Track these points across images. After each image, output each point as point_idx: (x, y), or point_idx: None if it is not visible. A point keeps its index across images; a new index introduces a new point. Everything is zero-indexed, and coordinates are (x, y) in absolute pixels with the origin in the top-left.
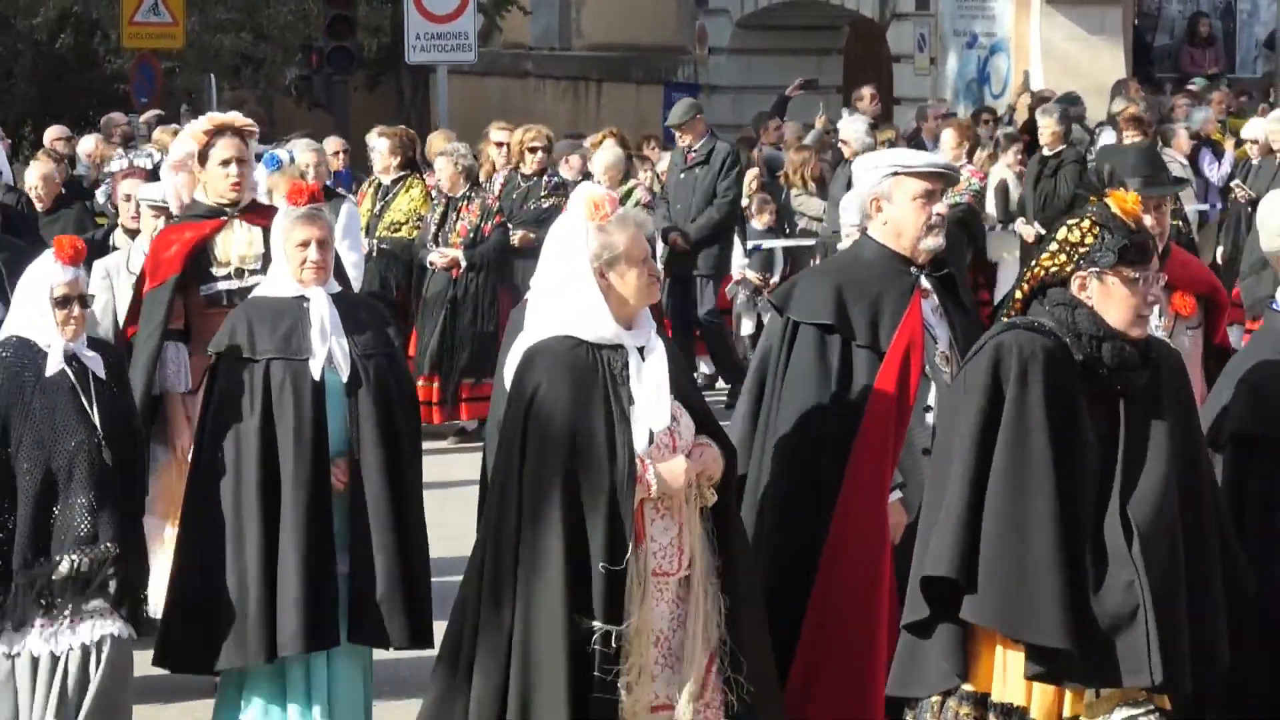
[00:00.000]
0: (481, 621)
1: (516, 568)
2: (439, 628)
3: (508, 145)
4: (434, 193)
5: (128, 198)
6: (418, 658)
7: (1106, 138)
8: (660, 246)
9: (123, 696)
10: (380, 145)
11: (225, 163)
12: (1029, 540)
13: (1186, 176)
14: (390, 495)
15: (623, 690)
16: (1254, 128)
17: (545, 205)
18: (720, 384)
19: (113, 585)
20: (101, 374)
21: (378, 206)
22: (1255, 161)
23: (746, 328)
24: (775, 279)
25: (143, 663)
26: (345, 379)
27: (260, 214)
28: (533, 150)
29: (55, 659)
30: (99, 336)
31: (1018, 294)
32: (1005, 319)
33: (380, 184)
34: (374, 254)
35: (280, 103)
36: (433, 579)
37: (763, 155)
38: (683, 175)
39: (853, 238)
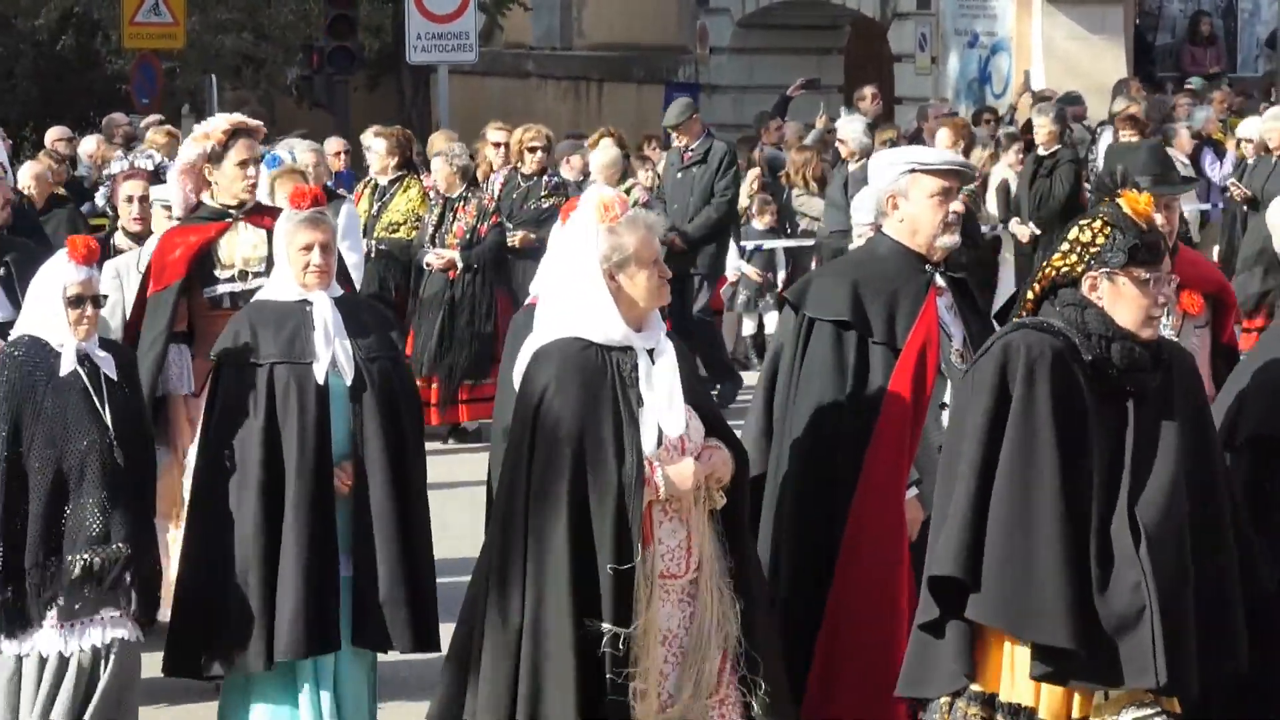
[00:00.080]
0: (489, 622)
1: (524, 569)
2: (443, 629)
3: (505, 145)
4: (432, 194)
5: (129, 199)
6: (420, 659)
7: (1107, 137)
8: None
9: (129, 698)
10: (377, 145)
11: (243, 164)
12: (1034, 540)
13: (1191, 176)
14: (395, 499)
15: (633, 692)
16: (1250, 126)
17: (545, 205)
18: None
19: (125, 585)
20: (113, 374)
21: (375, 207)
22: (1251, 160)
23: (748, 328)
24: (782, 276)
25: (149, 664)
26: (349, 383)
27: (264, 215)
28: (532, 150)
29: (64, 660)
30: (109, 337)
31: (1029, 294)
32: (1015, 319)
33: (377, 184)
34: (372, 255)
35: (281, 103)
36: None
37: (764, 155)
38: (680, 175)
39: (865, 236)
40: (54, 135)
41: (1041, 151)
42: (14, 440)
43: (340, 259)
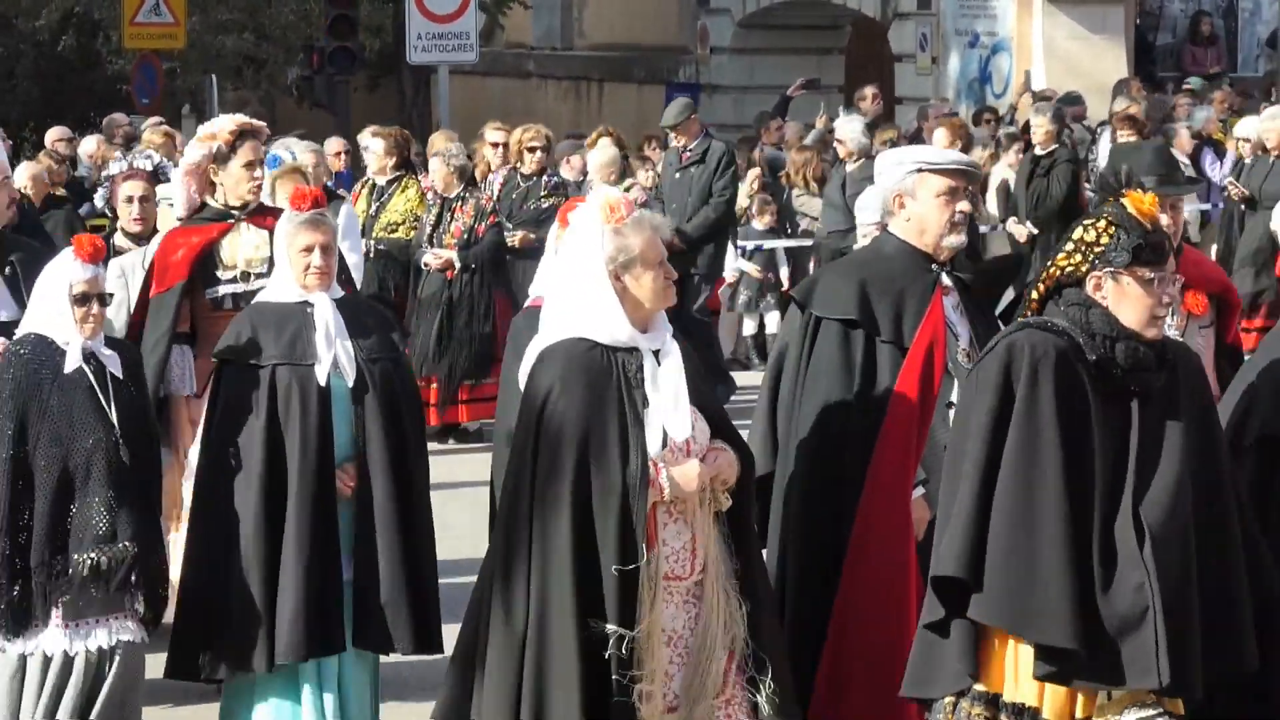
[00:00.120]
0: (494, 622)
1: (529, 569)
2: (446, 630)
3: (503, 145)
4: (430, 195)
5: (129, 199)
6: (421, 660)
7: (1108, 138)
8: None
9: (133, 699)
10: (375, 145)
11: (249, 165)
12: (1036, 540)
13: (1195, 176)
14: (397, 500)
15: (638, 694)
16: (1247, 126)
17: (545, 205)
18: None
19: (131, 585)
20: (119, 373)
21: (373, 207)
22: (1248, 160)
23: (749, 328)
24: (785, 274)
25: (152, 665)
26: (351, 384)
27: (266, 216)
28: (532, 150)
29: (68, 659)
30: (114, 335)
31: (1034, 294)
32: (1020, 318)
33: (375, 184)
34: (371, 255)
35: (282, 103)
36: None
37: (764, 155)
38: (678, 175)
39: (870, 236)
40: (54, 136)
41: (1039, 151)
42: (19, 439)
43: (342, 260)
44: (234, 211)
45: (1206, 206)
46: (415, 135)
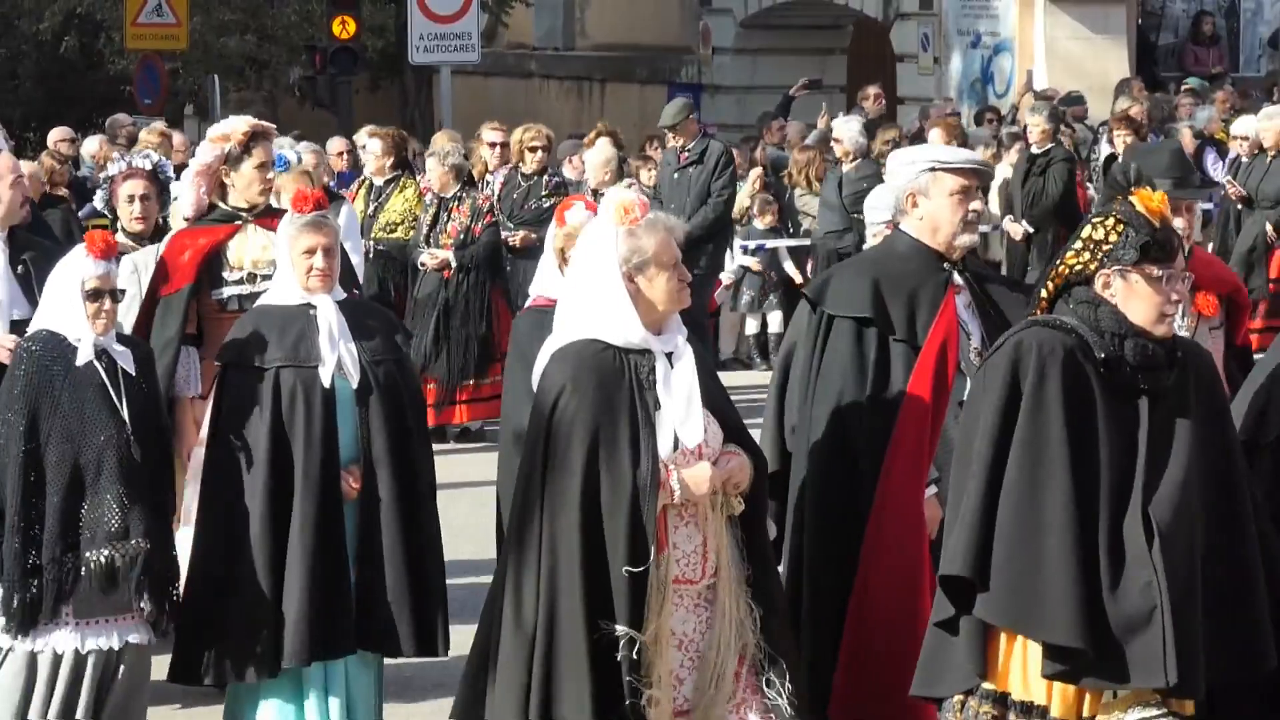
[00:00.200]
0: (505, 622)
1: (539, 570)
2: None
3: (500, 145)
4: (428, 196)
5: (130, 198)
6: (423, 660)
7: (1109, 138)
8: None
9: (139, 701)
10: (373, 146)
11: (262, 167)
12: (1042, 538)
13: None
14: (402, 502)
15: (645, 696)
16: (1244, 125)
17: (546, 205)
18: None
19: (143, 585)
20: (131, 369)
21: (371, 207)
22: (1245, 159)
23: (751, 327)
24: (790, 270)
25: (157, 666)
26: (355, 386)
27: (273, 218)
28: (533, 150)
29: (79, 658)
30: (126, 333)
31: (1043, 292)
32: (1029, 317)
33: (372, 184)
34: (370, 255)
35: (284, 103)
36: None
37: (766, 155)
38: (676, 175)
39: (880, 235)
40: (56, 136)
41: (1035, 150)
42: (31, 434)
43: (347, 261)
44: (242, 213)
45: (1209, 206)
46: (417, 136)
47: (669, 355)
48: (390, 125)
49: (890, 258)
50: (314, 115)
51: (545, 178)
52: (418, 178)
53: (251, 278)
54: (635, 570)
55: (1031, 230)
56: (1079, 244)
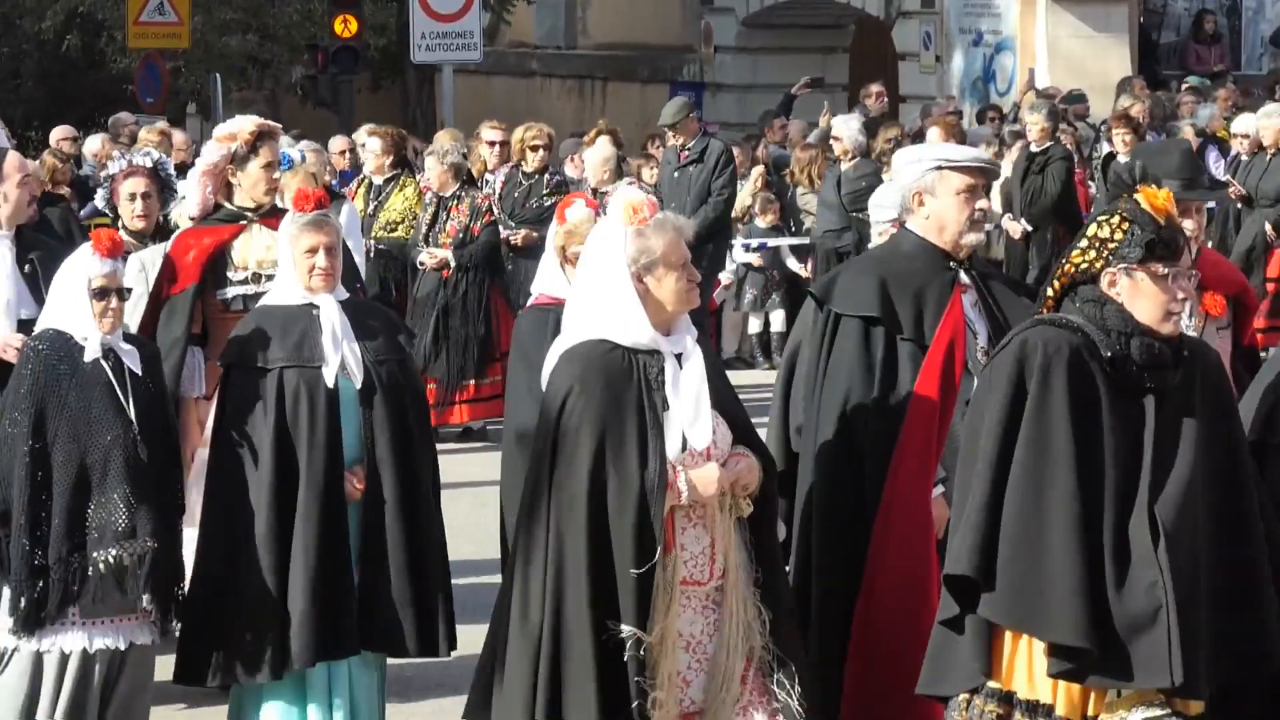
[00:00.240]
0: (512, 622)
1: (545, 569)
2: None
3: (499, 144)
4: (428, 195)
5: (131, 196)
6: (423, 660)
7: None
8: None
9: (142, 702)
10: (372, 144)
11: (268, 166)
12: (1046, 538)
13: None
14: (405, 503)
15: (651, 700)
16: (1244, 123)
17: (547, 204)
18: None
19: (149, 585)
20: (137, 369)
21: (371, 206)
22: (1245, 158)
23: (754, 326)
24: (796, 269)
25: (161, 667)
26: (359, 386)
27: (278, 218)
28: (534, 149)
29: (86, 658)
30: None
31: (1049, 291)
32: (1035, 315)
33: (371, 183)
34: (371, 255)
35: (286, 102)
36: None
37: (769, 154)
38: (676, 174)
39: (886, 234)
40: (58, 135)
41: (1034, 148)
42: (37, 433)
43: (351, 260)
44: (247, 213)
45: (1211, 205)
46: (419, 134)
47: (678, 356)
48: (392, 124)
49: (897, 256)
50: (316, 114)
51: (546, 176)
52: (417, 177)
53: (256, 278)
54: (640, 571)
55: (1030, 229)
56: (1085, 242)
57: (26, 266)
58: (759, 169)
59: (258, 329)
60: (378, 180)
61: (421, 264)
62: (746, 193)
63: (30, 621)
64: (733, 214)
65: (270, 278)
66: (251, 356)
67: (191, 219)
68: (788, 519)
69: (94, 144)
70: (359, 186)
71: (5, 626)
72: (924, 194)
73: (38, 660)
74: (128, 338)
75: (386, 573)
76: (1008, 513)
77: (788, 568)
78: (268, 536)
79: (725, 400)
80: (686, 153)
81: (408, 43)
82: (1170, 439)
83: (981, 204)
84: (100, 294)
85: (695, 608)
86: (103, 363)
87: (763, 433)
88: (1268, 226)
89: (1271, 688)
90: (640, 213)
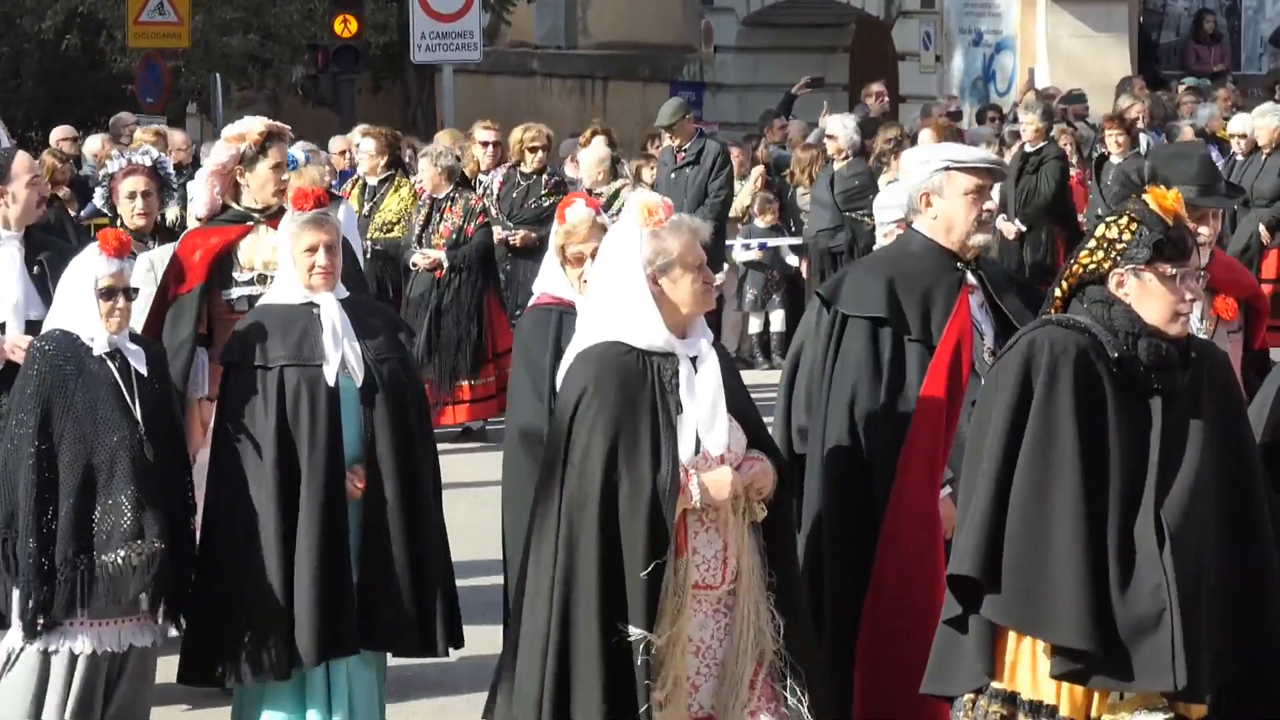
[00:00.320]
0: (523, 623)
1: (555, 570)
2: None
3: (493, 144)
4: (423, 196)
5: (131, 195)
6: (423, 660)
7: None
8: None
9: (144, 703)
10: (366, 145)
11: (277, 167)
12: (1051, 539)
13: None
14: (406, 501)
15: (655, 702)
16: (1240, 123)
17: (546, 204)
18: None
19: (158, 583)
20: (144, 369)
21: (366, 207)
22: (1241, 157)
23: (754, 326)
24: (796, 264)
25: (163, 668)
26: (360, 384)
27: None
28: (533, 150)
29: (94, 658)
30: (139, 332)
31: (1057, 291)
32: (1043, 316)
33: (366, 184)
34: (367, 255)
35: (287, 102)
36: None
37: (769, 153)
38: (673, 176)
39: (890, 235)
40: (59, 134)
41: (1028, 148)
42: (43, 434)
43: (354, 259)
44: (255, 214)
45: None
46: (419, 134)
47: (693, 359)
48: (393, 124)
49: (904, 257)
50: (316, 114)
51: (545, 177)
52: (412, 178)
53: (262, 279)
54: (647, 572)
55: (1024, 229)
56: (1093, 243)
57: (35, 268)
58: (759, 169)
59: (258, 327)
60: (372, 181)
61: (414, 265)
62: (746, 193)
63: (36, 622)
64: (732, 214)
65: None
66: (252, 355)
67: (198, 219)
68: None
69: (94, 144)
70: (353, 187)
71: (14, 627)
72: (932, 194)
73: (45, 661)
74: (134, 338)
75: (387, 572)
76: (1012, 513)
77: None
78: (272, 536)
79: (739, 401)
80: (683, 154)
81: (408, 42)
82: (1177, 440)
83: (989, 205)
84: (107, 294)
85: (706, 611)
86: (109, 363)
87: None
88: (1261, 227)
89: (1273, 688)
90: (656, 214)
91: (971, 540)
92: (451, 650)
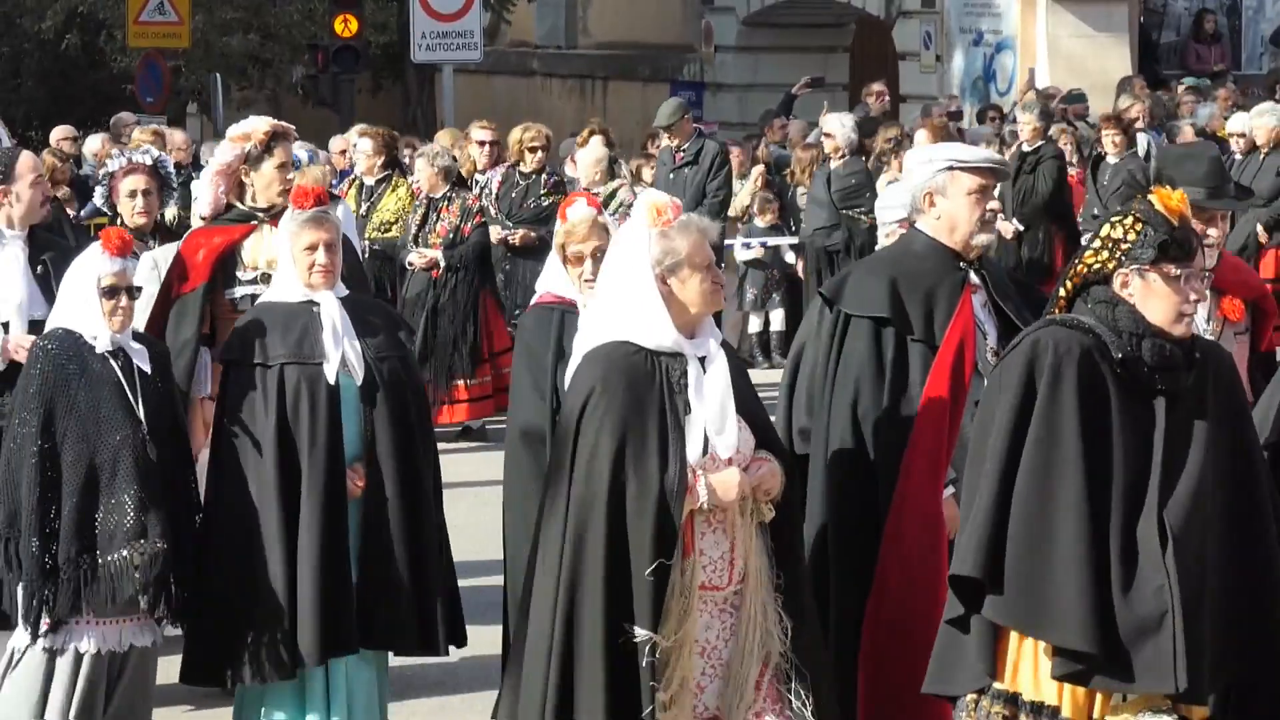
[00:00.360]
0: (530, 623)
1: (560, 570)
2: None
3: (489, 144)
4: (420, 196)
5: (132, 194)
6: (423, 660)
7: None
8: None
9: (143, 704)
10: (364, 145)
11: (283, 166)
12: (1053, 540)
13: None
14: (406, 500)
15: (659, 703)
16: (1238, 122)
17: (545, 204)
18: None
19: (160, 583)
20: (147, 368)
21: (364, 207)
22: (1238, 157)
23: (754, 325)
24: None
25: (165, 668)
26: (360, 383)
27: None
28: (533, 150)
29: (98, 658)
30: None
31: (1061, 291)
32: (1047, 316)
33: (363, 184)
34: (366, 255)
35: (287, 102)
36: None
37: (769, 153)
38: (671, 176)
39: (892, 235)
40: (59, 134)
41: (1025, 148)
42: (46, 433)
43: (355, 257)
44: (259, 213)
45: None
46: (419, 134)
47: (701, 359)
48: (393, 124)
49: (907, 257)
50: (316, 114)
51: (544, 177)
52: (409, 178)
53: (266, 278)
54: (651, 572)
55: (1021, 228)
56: (1098, 243)
57: (39, 267)
58: (759, 168)
59: (258, 325)
60: (369, 181)
61: (411, 264)
62: (746, 192)
63: (39, 622)
64: (732, 213)
65: None
66: (252, 353)
67: (202, 218)
68: None
69: (94, 144)
70: (350, 187)
71: (19, 627)
72: (935, 194)
73: (50, 661)
74: (137, 336)
75: (386, 571)
76: (1015, 514)
77: None
78: (273, 535)
79: (747, 401)
80: (681, 154)
81: (408, 42)
82: (1181, 441)
83: (993, 204)
84: (110, 293)
85: (712, 612)
86: (112, 362)
87: None
88: (1259, 227)
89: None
90: (664, 214)
91: (974, 541)
92: (453, 650)
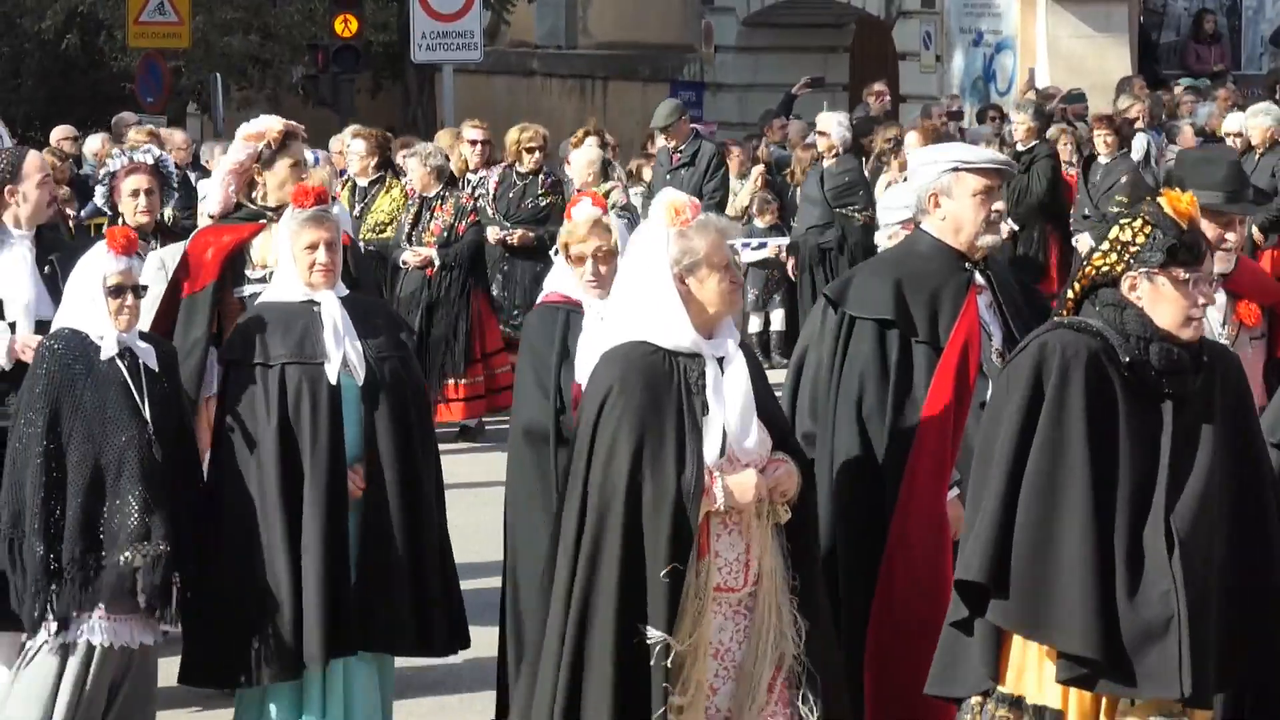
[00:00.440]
0: (547, 625)
1: (575, 570)
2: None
3: (481, 143)
4: (413, 196)
5: (134, 193)
6: (423, 660)
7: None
8: None
9: (145, 705)
10: (356, 146)
11: (296, 165)
12: (1059, 544)
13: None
14: (406, 500)
15: (672, 705)
16: (1235, 121)
17: (543, 204)
18: None
19: (163, 585)
20: (154, 367)
21: (357, 208)
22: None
23: (754, 325)
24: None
25: (165, 669)
26: (361, 383)
27: None
28: (530, 150)
29: (104, 658)
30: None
31: (1069, 294)
32: (1055, 318)
33: (356, 185)
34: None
35: (287, 102)
36: None
37: (769, 153)
38: (669, 176)
39: (895, 236)
40: (59, 134)
41: (1019, 148)
42: (52, 433)
43: (358, 256)
44: (268, 211)
45: None
46: (420, 134)
47: (719, 360)
48: (393, 124)
49: (911, 258)
50: (316, 114)
51: (541, 177)
52: (402, 179)
53: (273, 277)
54: (665, 574)
55: (1016, 228)
56: (1106, 245)
57: (46, 267)
58: (759, 169)
59: (259, 325)
60: (362, 182)
61: (404, 263)
62: (746, 193)
63: (44, 622)
64: (732, 214)
65: None
66: (253, 353)
67: (211, 216)
68: None
69: (94, 144)
70: (343, 188)
71: (28, 625)
72: (940, 195)
73: (62, 657)
74: (144, 336)
75: (386, 571)
76: (1021, 518)
77: None
78: (277, 536)
79: (765, 402)
80: (678, 155)
81: (408, 42)
82: (1188, 445)
83: (998, 205)
84: (115, 292)
85: (726, 614)
86: (118, 362)
87: None
88: (1254, 228)
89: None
90: (682, 214)
91: (980, 545)
92: (461, 650)
